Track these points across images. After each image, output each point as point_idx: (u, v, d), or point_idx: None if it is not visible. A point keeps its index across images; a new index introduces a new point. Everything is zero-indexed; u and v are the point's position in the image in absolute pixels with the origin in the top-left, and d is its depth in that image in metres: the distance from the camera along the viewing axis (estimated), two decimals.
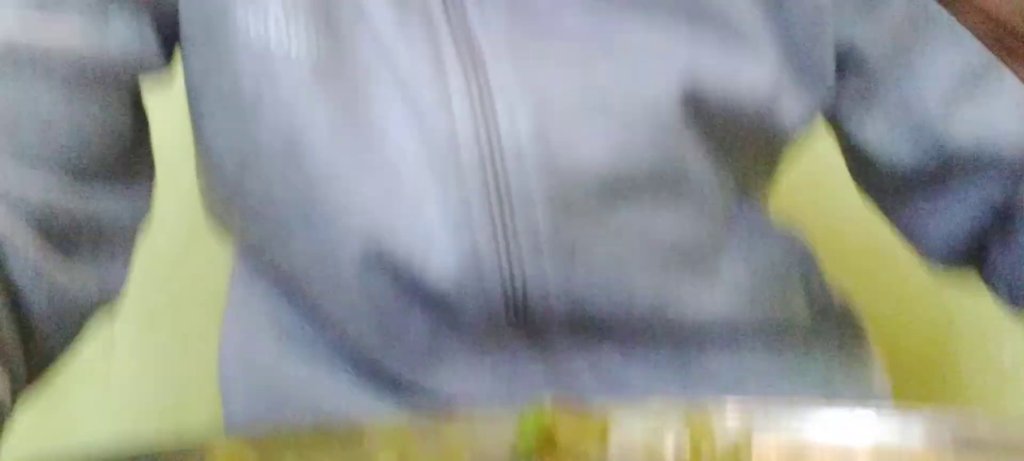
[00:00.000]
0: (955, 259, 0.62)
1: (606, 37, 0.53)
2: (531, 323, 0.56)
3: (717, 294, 0.58)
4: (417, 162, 0.51)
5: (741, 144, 0.57)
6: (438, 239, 0.51)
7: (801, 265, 0.63)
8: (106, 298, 0.47)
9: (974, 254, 0.61)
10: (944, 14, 0.50)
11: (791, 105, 0.55)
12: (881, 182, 0.61)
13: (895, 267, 0.69)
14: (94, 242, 0.45)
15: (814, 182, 0.68)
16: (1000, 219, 0.59)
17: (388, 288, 0.53)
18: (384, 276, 0.53)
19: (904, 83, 0.56)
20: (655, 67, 0.52)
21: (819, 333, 0.64)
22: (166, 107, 0.55)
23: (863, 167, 0.61)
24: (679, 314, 0.56)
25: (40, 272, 0.40)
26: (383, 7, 0.51)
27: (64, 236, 0.43)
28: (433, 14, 0.51)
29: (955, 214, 0.59)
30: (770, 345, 0.61)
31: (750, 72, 0.54)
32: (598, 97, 0.51)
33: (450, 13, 0.52)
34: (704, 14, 0.53)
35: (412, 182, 0.51)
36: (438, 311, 0.54)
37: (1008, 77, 0.52)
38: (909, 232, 0.62)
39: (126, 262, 0.48)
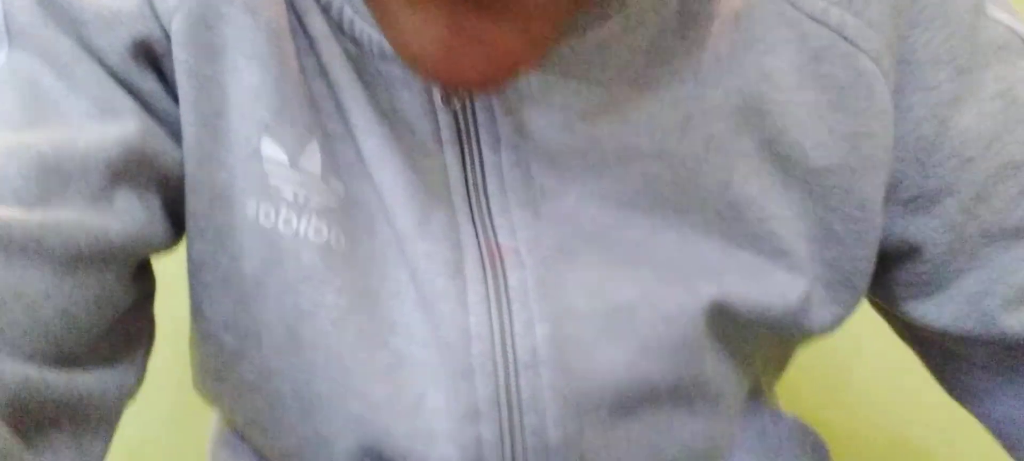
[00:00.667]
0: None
1: (632, 246, 0.50)
2: None
3: None
4: (424, 355, 0.49)
5: (762, 348, 0.55)
6: (439, 434, 0.49)
7: (813, 457, 0.60)
8: None
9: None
10: (1015, 214, 0.50)
11: (821, 314, 0.53)
12: (954, 364, 0.56)
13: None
14: (74, 422, 0.43)
15: (825, 375, 0.65)
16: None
17: None
18: None
19: (974, 284, 0.51)
20: (682, 283, 0.50)
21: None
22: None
23: (926, 336, 0.56)
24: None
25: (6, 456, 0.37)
26: (406, 205, 0.49)
27: (41, 419, 0.41)
28: (457, 210, 0.50)
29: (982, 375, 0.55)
30: None
31: (782, 287, 0.51)
32: (619, 310, 0.49)
33: (474, 209, 0.50)
34: (741, 230, 0.50)
35: (416, 375, 0.49)
36: None
37: None
38: (1005, 433, 0.55)
39: (107, 439, 0.45)
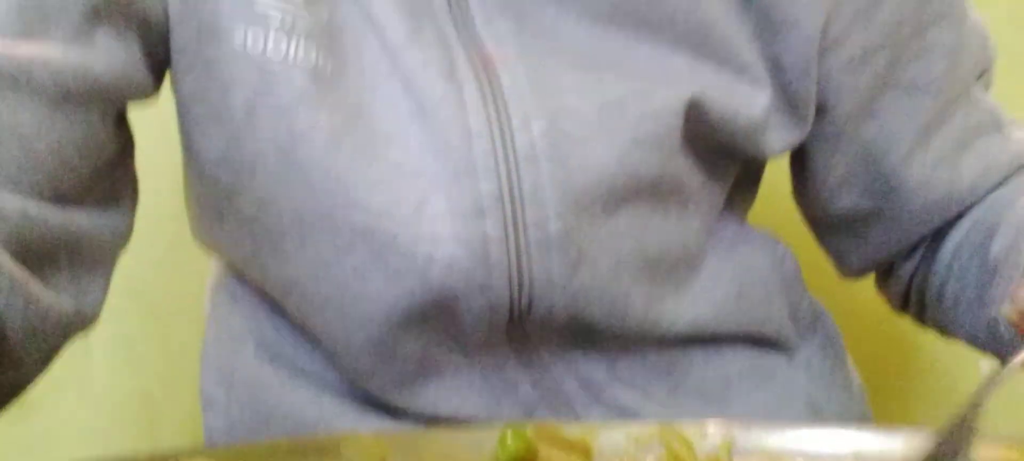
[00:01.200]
0: (865, 275, 0.67)
1: (614, 52, 0.54)
2: (527, 330, 0.56)
3: (700, 300, 0.58)
4: (422, 163, 0.51)
5: (731, 159, 0.59)
6: (444, 233, 0.51)
7: (782, 273, 0.64)
8: (83, 317, 0.46)
9: (882, 271, 0.66)
10: (910, 69, 0.57)
11: (779, 133, 0.57)
12: (823, 214, 0.64)
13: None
14: (72, 261, 0.45)
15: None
16: (914, 249, 0.63)
17: (387, 300, 0.53)
18: (384, 286, 0.53)
19: (869, 131, 0.59)
20: (662, 82, 0.53)
21: (800, 342, 0.65)
22: (148, 120, 0.55)
23: (810, 197, 0.64)
24: (668, 322, 0.57)
25: (16, 288, 0.39)
26: (395, 17, 0.51)
27: (41, 254, 0.42)
28: (442, 23, 0.52)
29: (880, 247, 0.63)
30: (753, 352, 0.62)
31: (746, 98, 0.55)
32: (611, 104, 0.52)
33: (458, 24, 0.52)
34: (707, 44, 0.54)
35: (416, 183, 0.51)
36: (435, 319, 0.54)
37: (944, 130, 0.58)
38: (832, 252, 0.66)
39: (104, 282, 0.48)
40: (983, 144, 0.59)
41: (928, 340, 0.81)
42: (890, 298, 0.66)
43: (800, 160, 0.63)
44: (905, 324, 0.69)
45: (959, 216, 0.60)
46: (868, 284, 0.69)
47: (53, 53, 0.44)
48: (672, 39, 0.54)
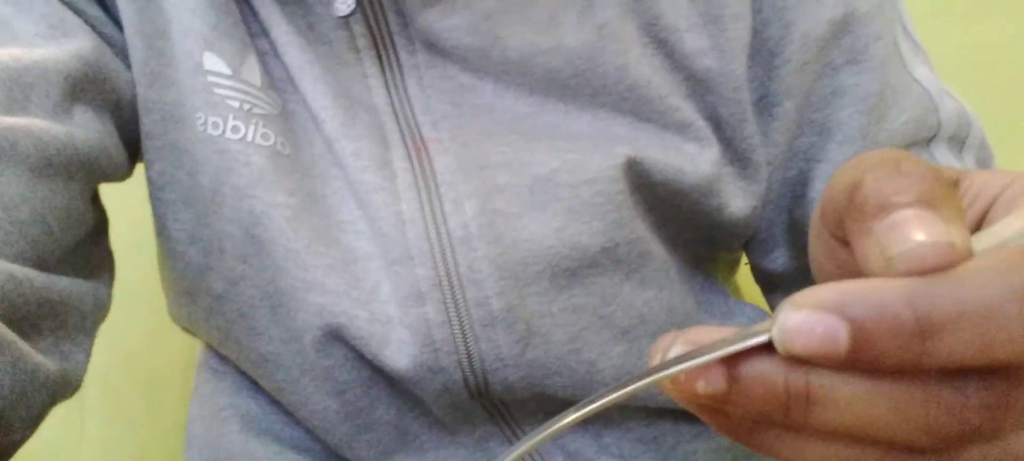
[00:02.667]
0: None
1: (549, 124, 0.53)
2: (495, 402, 0.56)
3: None
4: (371, 248, 0.52)
5: (692, 224, 0.57)
6: (394, 319, 0.52)
7: None
8: (68, 382, 0.46)
9: None
10: (821, 111, 0.54)
11: (734, 191, 0.56)
12: (763, 270, 0.62)
13: None
14: (55, 326, 0.45)
15: None
16: None
17: (352, 370, 0.54)
18: (347, 359, 0.53)
19: (791, 173, 0.56)
20: (598, 149, 0.53)
21: None
22: (138, 196, 0.56)
23: (752, 253, 0.61)
24: (650, 394, 0.56)
25: (3, 347, 0.39)
26: (331, 109, 0.52)
27: (26, 318, 0.42)
28: (380, 110, 0.53)
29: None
30: None
31: (691, 156, 0.54)
32: (540, 179, 0.52)
33: (397, 110, 0.53)
34: (645, 106, 0.53)
35: (368, 266, 0.52)
36: (403, 393, 0.55)
37: None
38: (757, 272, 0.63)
39: (87, 348, 0.47)
40: None
41: None
42: None
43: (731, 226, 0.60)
44: None
45: None
46: None
47: (36, 124, 0.44)
48: (610, 104, 0.53)
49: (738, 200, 0.56)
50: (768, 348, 0.26)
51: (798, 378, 0.26)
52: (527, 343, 0.52)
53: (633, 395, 0.27)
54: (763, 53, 0.54)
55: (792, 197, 0.57)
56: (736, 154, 0.55)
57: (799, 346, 0.25)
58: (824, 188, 0.33)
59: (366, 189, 0.51)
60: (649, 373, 0.27)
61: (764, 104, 0.55)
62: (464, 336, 0.52)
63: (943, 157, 0.55)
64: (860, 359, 0.24)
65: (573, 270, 0.53)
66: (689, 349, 0.27)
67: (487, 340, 0.52)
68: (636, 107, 0.53)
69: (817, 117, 0.55)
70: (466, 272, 0.51)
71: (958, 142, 0.56)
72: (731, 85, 0.53)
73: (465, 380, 0.53)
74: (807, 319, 0.25)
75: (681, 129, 0.54)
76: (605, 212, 0.52)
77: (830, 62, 0.54)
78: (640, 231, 0.54)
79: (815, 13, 0.53)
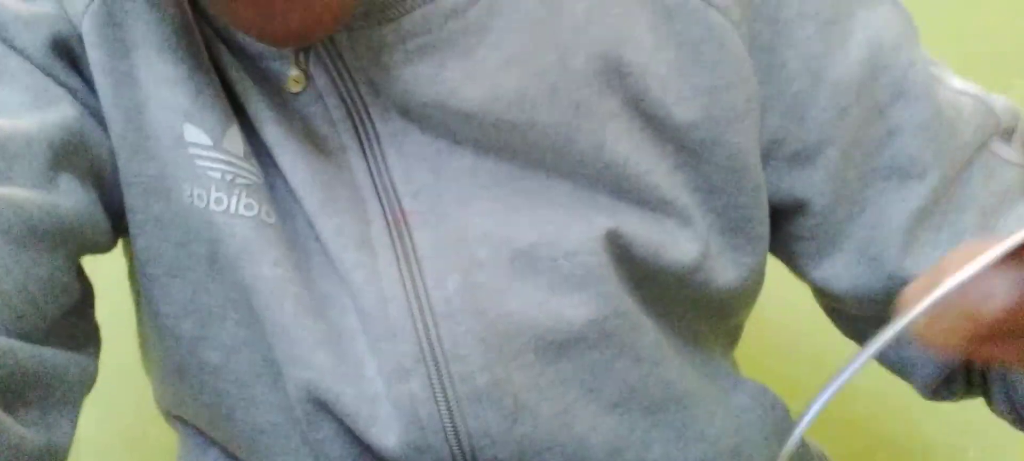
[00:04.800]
0: (958, 392, 0.59)
1: (528, 195, 0.52)
2: None
3: (690, 445, 0.56)
4: (354, 324, 0.51)
5: (680, 299, 0.56)
6: (380, 396, 0.51)
7: (773, 418, 0.60)
8: (54, 452, 0.46)
9: (973, 380, 0.58)
10: (883, 155, 0.53)
11: (724, 264, 0.55)
12: (856, 323, 0.59)
13: (867, 411, 0.67)
14: (41, 397, 0.45)
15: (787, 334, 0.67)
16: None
17: (343, 446, 0.53)
18: (338, 434, 0.52)
19: (861, 229, 0.54)
20: (578, 221, 0.52)
21: None
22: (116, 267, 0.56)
23: (835, 308, 0.59)
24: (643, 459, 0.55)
25: None
26: (310, 185, 0.51)
27: (10, 390, 0.42)
28: (359, 184, 0.52)
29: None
30: None
31: (673, 234, 0.53)
32: (521, 253, 0.52)
33: (375, 178, 0.52)
34: (623, 182, 0.52)
35: (354, 343, 0.52)
36: None
37: (957, 203, 0.53)
38: (900, 370, 0.59)
39: (73, 419, 0.47)
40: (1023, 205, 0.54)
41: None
42: (1001, 413, 0.57)
43: (807, 278, 0.58)
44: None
45: None
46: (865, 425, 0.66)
47: (19, 194, 0.45)
48: (588, 178, 0.52)
49: (728, 273, 0.55)
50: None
51: None
52: (515, 419, 0.51)
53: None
54: (792, 106, 0.53)
55: (868, 256, 0.54)
56: (729, 223, 0.54)
57: None
58: None
59: (346, 267, 0.51)
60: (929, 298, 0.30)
61: (800, 157, 0.53)
62: (450, 413, 0.51)
63: (1001, 150, 0.54)
64: None
65: (560, 344, 0.52)
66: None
67: (474, 416, 0.51)
68: (614, 183, 0.52)
69: (881, 163, 0.53)
70: (450, 347, 0.51)
71: (1006, 133, 0.55)
72: (725, 154, 0.52)
73: (453, 457, 0.52)
74: None
75: (661, 206, 0.53)
76: (586, 284, 0.52)
77: (875, 105, 0.53)
78: (628, 305, 0.53)
79: (843, 59, 0.52)
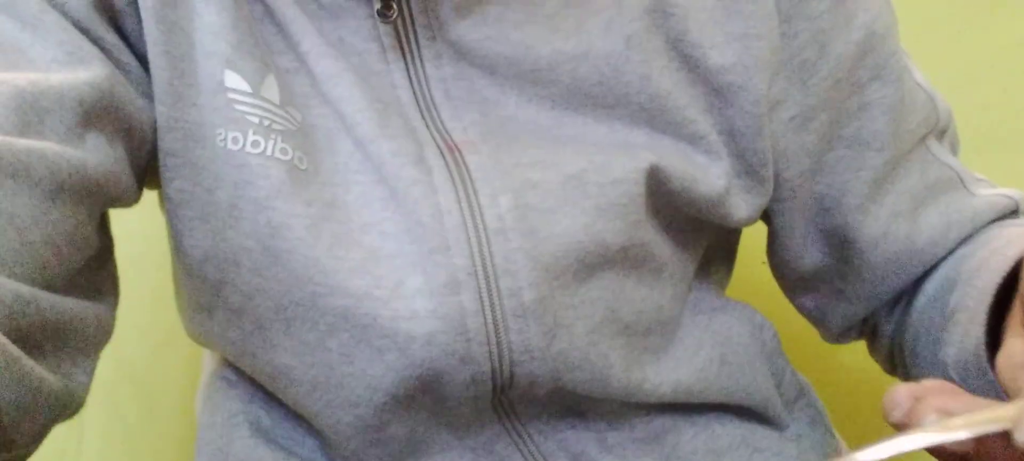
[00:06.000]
0: (850, 338, 0.68)
1: (573, 131, 0.56)
2: (514, 405, 0.57)
3: (682, 365, 0.60)
4: (397, 247, 0.53)
5: (698, 228, 0.61)
6: (422, 310, 0.53)
7: (762, 342, 0.65)
8: (71, 397, 0.46)
9: (867, 332, 0.67)
10: (851, 125, 0.59)
11: (739, 202, 0.59)
12: (793, 275, 0.66)
13: (851, 347, 0.71)
14: (58, 347, 0.45)
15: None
16: (891, 306, 0.64)
17: (370, 378, 0.54)
18: (367, 363, 0.54)
19: (819, 185, 0.61)
20: (622, 154, 0.56)
21: (788, 415, 0.66)
22: (144, 219, 0.55)
23: (780, 260, 0.66)
24: (651, 386, 0.58)
25: (9, 364, 0.39)
26: (365, 114, 0.54)
27: (31, 338, 0.43)
28: (410, 116, 0.55)
29: (852, 305, 0.64)
30: (742, 425, 0.63)
31: (705, 169, 0.57)
32: (572, 178, 0.55)
33: (426, 117, 0.55)
34: (662, 116, 0.56)
35: (392, 265, 0.53)
36: (421, 397, 0.55)
37: (897, 186, 0.60)
38: (810, 315, 0.68)
39: (88, 372, 0.48)
40: (945, 200, 0.61)
41: None
42: (880, 361, 0.67)
43: (771, 229, 0.65)
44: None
45: (930, 272, 0.61)
46: (850, 359, 0.70)
47: (50, 148, 0.45)
48: (628, 116, 0.56)
49: (742, 210, 0.60)
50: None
51: None
52: (554, 335, 0.54)
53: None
54: (799, 72, 0.58)
55: (821, 208, 0.61)
56: (746, 166, 0.59)
57: None
58: None
59: (404, 183, 0.53)
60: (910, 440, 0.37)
61: (799, 119, 0.59)
62: (496, 326, 0.53)
63: (935, 148, 0.61)
64: None
65: (592, 265, 0.55)
66: (941, 418, 0.38)
67: (517, 331, 0.53)
68: (653, 118, 0.56)
69: (847, 132, 0.59)
70: (501, 263, 0.53)
71: (940, 132, 0.62)
72: (751, 99, 0.57)
73: (493, 371, 0.54)
74: None
75: (694, 141, 0.57)
76: (627, 212, 0.55)
77: (857, 80, 0.59)
78: (650, 234, 0.57)
79: (846, 35, 0.58)
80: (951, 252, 0.61)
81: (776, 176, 0.60)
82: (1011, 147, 0.87)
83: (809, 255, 0.63)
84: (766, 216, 0.64)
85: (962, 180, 0.62)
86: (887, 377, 0.67)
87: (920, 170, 0.61)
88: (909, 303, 0.62)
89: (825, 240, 0.62)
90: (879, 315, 0.65)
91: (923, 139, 0.61)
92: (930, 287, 0.61)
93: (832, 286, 0.64)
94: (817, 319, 0.68)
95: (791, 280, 0.66)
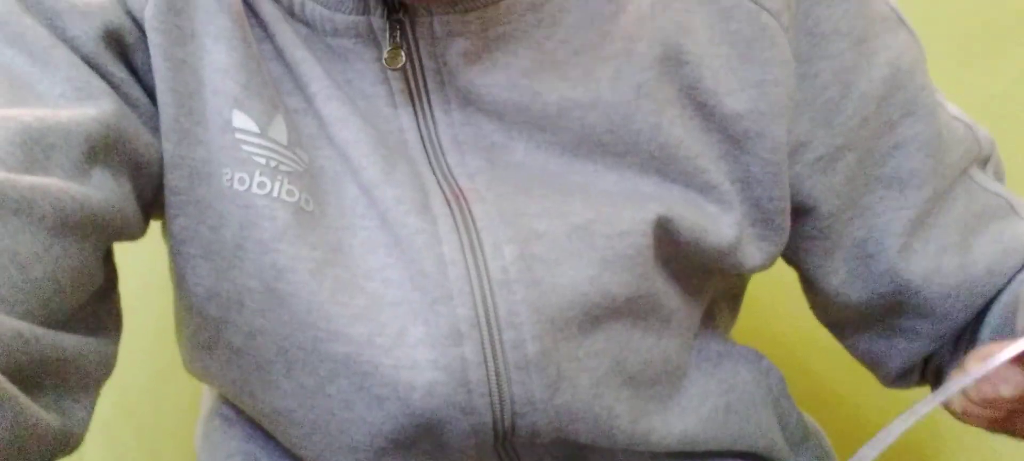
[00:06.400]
0: (913, 383, 0.66)
1: (581, 181, 0.56)
2: (519, 454, 0.56)
3: (688, 415, 0.59)
4: (400, 295, 0.53)
5: (707, 275, 0.60)
6: (424, 360, 0.52)
7: (768, 386, 0.64)
8: (68, 440, 0.46)
9: (930, 373, 0.65)
10: (888, 165, 0.59)
11: (752, 251, 0.59)
12: (839, 316, 0.64)
13: (861, 390, 0.70)
14: (58, 384, 0.45)
15: (786, 308, 0.69)
16: (954, 343, 0.62)
17: (370, 425, 0.54)
18: (367, 410, 0.54)
19: (859, 229, 0.60)
20: (630, 205, 0.55)
21: (793, 455, 0.65)
22: (142, 257, 0.55)
23: (822, 302, 0.64)
24: (657, 437, 0.58)
25: (6, 402, 0.39)
26: (370, 159, 0.53)
27: (30, 375, 0.42)
28: (417, 161, 0.54)
29: (911, 345, 0.63)
30: None
31: (715, 219, 0.57)
32: (578, 229, 0.54)
33: (433, 163, 0.55)
34: (673, 165, 0.56)
35: (396, 310, 0.53)
36: (421, 444, 0.55)
37: (943, 219, 0.59)
38: (868, 361, 0.66)
39: (88, 409, 0.48)
40: (996, 227, 0.59)
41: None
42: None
43: (804, 271, 0.63)
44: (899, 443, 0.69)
45: (991, 303, 0.60)
46: (860, 400, 0.69)
47: (54, 185, 0.45)
48: (638, 164, 0.56)
49: (755, 258, 0.59)
50: None
51: None
52: (557, 388, 0.54)
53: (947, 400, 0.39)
54: (823, 112, 0.57)
55: (865, 254, 0.60)
56: (761, 214, 0.58)
57: None
58: None
59: (408, 232, 0.53)
60: (956, 382, 0.39)
61: (825, 160, 0.58)
62: (498, 378, 0.53)
63: (979, 177, 0.60)
64: None
65: (598, 317, 0.55)
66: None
67: (520, 383, 0.53)
68: (663, 167, 0.56)
69: (884, 172, 0.59)
70: (505, 315, 0.53)
71: (983, 161, 0.61)
72: (768, 146, 0.56)
73: (494, 422, 0.54)
74: None
75: (705, 190, 0.57)
76: (634, 264, 0.55)
77: (888, 118, 0.58)
78: (658, 284, 0.57)
79: (869, 73, 0.57)
80: (1011, 280, 0.59)
81: (806, 218, 0.60)
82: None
83: (853, 296, 0.62)
84: (798, 260, 0.63)
85: (1012, 206, 0.61)
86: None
87: (965, 201, 0.59)
88: (974, 335, 0.61)
89: (873, 281, 0.61)
90: (943, 354, 0.63)
91: (965, 170, 0.60)
92: (993, 317, 0.59)
93: (887, 324, 0.63)
94: (873, 359, 0.65)
95: (840, 321, 0.65)
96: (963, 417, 0.39)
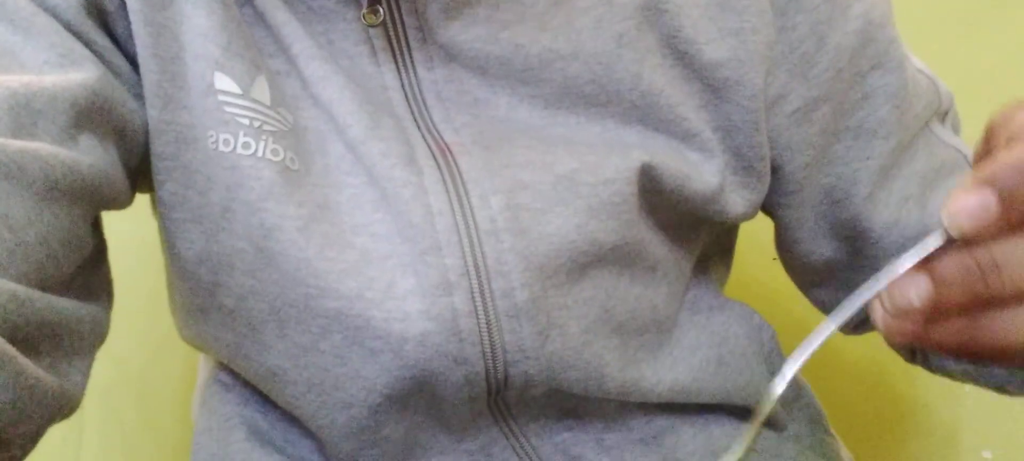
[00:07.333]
0: (867, 328, 0.66)
1: (565, 132, 0.56)
2: (511, 407, 0.57)
3: (679, 365, 0.60)
4: (388, 248, 0.53)
5: (693, 225, 0.61)
6: (414, 311, 0.53)
7: (760, 343, 0.65)
8: (66, 402, 0.46)
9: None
10: (856, 115, 0.59)
11: (735, 199, 0.59)
12: (805, 268, 0.65)
13: (853, 348, 0.70)
14: (54, 347, 0.45)
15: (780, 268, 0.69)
16: None
17: (364, 380, 0.54)
18: (361, 364, 0.54)
19: (827, 177, 0.61)
20: (614, 154, 0.55)
21: (787, 415, 0.66)
22: (142, 222, 0.55)
23: (790, 253, 0.65)
24: (647, 386, 0.58)
25: (5, 363, 0.39)
26: (355, 115, 0.53)
27: (26, 337, 0.43)
28: (401, 117, 0.55)
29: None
30: (739, 422, 0.63)
31: (698, 166, 0.57)
32: (563, 178, 0.54)
33: (417, 119, 0.55)
34: (654, 114, 0.56)
35: (385, 263, 0.53)
36: (416, 399, 0.55)
37: (905, 171, 0.60)
38: (826, 308, 0.67)
39: (84, 373, 0.48)
40: (953, 182, 0.60)
41: (912, 412, 0.82)
42: (900, 353, 0.66)
43: (777, 222, 0.64)
44: (885, 399, 0.69)
45: None
46: (848, 360, 0.70)
47: (44, 149, 0.45)
48: (620, 113, 0.56)
49: (738, 206, 0.59)
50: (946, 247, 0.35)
51: (982, 253, 0.34)
52: (547, 336, 0.54)
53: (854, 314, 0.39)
54: (800, 65, 0.58)
55: (831, 201, 0.61)
56: (742, 162, 0.58)
57: (965, 223, 0.33)
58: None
59: (395, 185, 0.53)
60: (861, 295, 0.38)
61: (802, 112, 0.59)
62: (489, 327, 0.53)
63: (939, 130, 0.61)
64: (1012, 216, 0.32)
65: (585, 265, 0.55)
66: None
67: (511, 331, 0.53)
68: (646, 115, 0.56)
69: (852, 122, 0.59)
70: (493, 264, 0.53)
71: (942, 115, 0.62)
72: (747, 94, 0.57)
73: (487, 372, 0.54)
74: (963, 199, 0.33)
75: (687, 138, 0.57)
76: (620, 212, 0.55)
77: (858, 70, 0.58)
78: (643, 232, 0.57)
79: (843, 26, 0.58)
80: None
81: (780, 170, 0.60)
82: None
83: (821, 247, 0.63)
84: (771, 211, 0.64)
85: (968, 160, 0.61)
86: (885, 378, 0.67)
87: (926, 154, 0.60)
88: None
89: (837, 232, 0.62)
90: None
91: (927, 123, 0.61)
92: None
93: (846, 277, 0.64)
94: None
95: (804, 274, 0.66)
96: (887, 334, 0.39)
